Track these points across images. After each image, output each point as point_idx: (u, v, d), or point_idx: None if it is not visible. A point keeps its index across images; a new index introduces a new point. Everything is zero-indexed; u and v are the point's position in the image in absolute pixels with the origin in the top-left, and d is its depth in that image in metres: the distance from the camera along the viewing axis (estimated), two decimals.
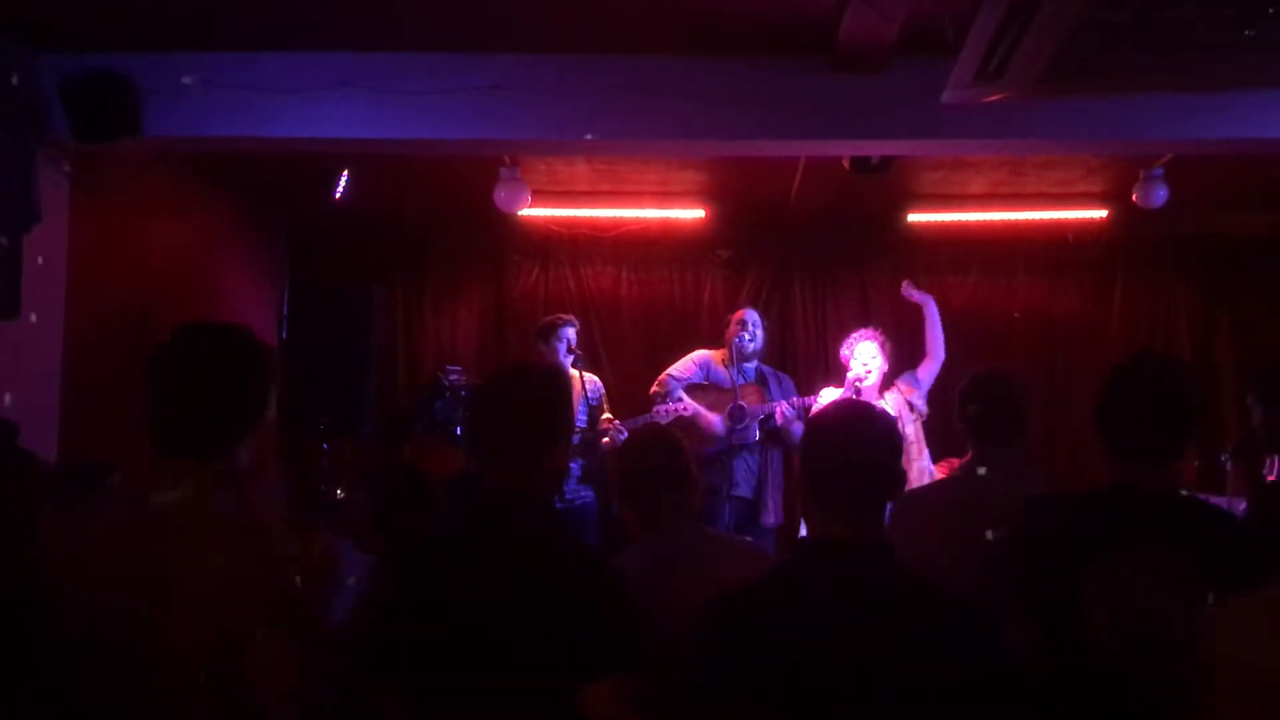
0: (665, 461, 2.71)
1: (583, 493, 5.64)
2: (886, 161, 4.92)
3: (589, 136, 4.51)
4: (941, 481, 4.03)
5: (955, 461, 4.96)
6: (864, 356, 5.28)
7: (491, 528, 2.18)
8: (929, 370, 5.45)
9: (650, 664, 2.09)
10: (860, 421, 2.08)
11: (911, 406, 5.22)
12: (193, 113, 4.39)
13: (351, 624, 2.50)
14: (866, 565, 1.99)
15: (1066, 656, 2.15)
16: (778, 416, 5.49)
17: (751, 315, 5.71)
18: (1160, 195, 5.70)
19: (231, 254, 6.17)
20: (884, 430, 2.07)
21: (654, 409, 5.66)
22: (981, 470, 2.97)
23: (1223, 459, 5.89)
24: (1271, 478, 5.27)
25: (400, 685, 2.12)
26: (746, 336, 5.61)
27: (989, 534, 2.64)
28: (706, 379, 5.77)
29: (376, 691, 2.15)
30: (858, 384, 5.21)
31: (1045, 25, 2.66)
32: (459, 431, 5.77)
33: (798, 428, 5.56)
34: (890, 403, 5.15)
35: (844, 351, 5.43)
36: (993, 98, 3.23)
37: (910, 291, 5.61)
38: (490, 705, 2.06)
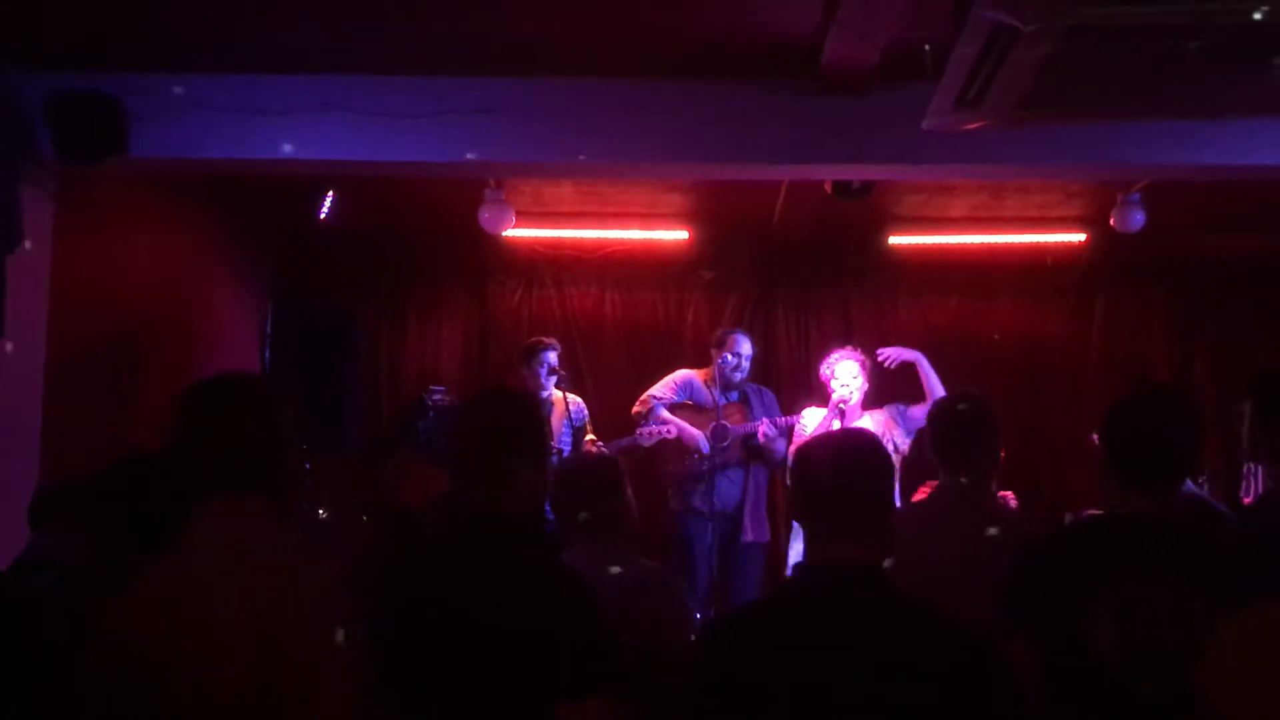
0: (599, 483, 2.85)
1: None
2: (868, 186, 4.98)
3: (582, 158, 4.55)
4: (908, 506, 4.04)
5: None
6: (845, 376, 5.31)
7: (470, 548, 2.20)
8: (924, 412, 5.41)
9: (631, 685, 2.11)
10: (853, 448, 2.11)
11: (892, 440, 5.19)
12: (179, 134, 4.40)
13: None
14: (863, 589, 2.01)
15: (1071, 680, 2.18)
16: (760, 435, 5.51)
17: (743, 345, 5.67)
18: (1137, 219, 5.77)
19: (216, 273, 6.17)
20: (876, 457, 2.11)
21: (637, 431, 5.68)
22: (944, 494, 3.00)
23: (1200, 482, 5.96)
24: (1248, 500, 5.35)
25: (380, 704, 2.12)
26: (732, 365, 5.61)
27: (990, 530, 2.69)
28: (689, 398, 5.79)
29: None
30: (842, 405, 5.25)
31: (1022, 57, 2.71)
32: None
33: (780, 445, 5.59)
34: (870, 423, 5.17)
35: (824, 371, 5.44)
36: (972, 125, 3.29)
37: (896, 353, 5.42)
38: None
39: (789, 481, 5.38)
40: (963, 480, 2.95)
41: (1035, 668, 2.17)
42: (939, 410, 3.15)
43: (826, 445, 2.20)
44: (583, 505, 2.83)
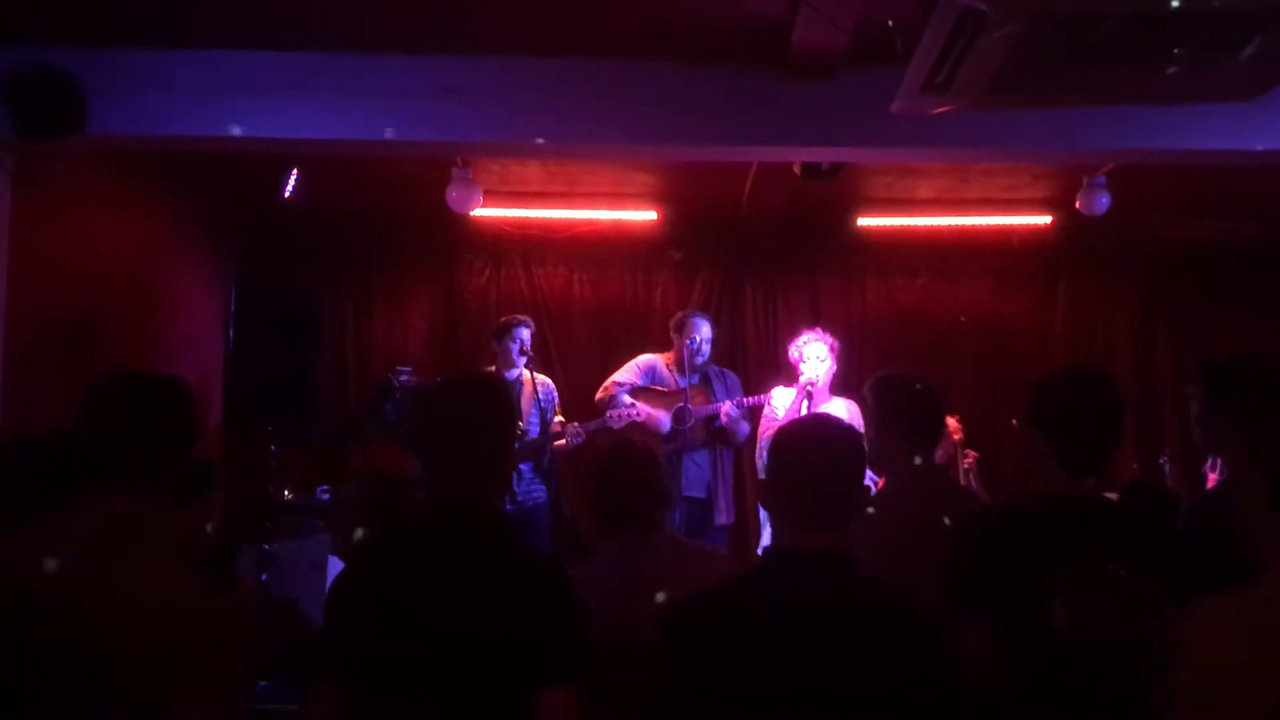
0: (642, 475, 2.80)
1: (535, 493, 5.65)
2: (837, 168, 4.97)
3: (540, 140, 4.50)
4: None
5: None
6: (813, 358, 5.32)
7: (442, 536, 2.19)
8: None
9: (602, 672, 2.11)
10: (825, 438, 2.12)
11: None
12: (139, 110, 4.32)
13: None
14: (827, 576, 2.03)
15: (1026, 664, 2.20)
16: (722, 417, 5.54)
17: (703, 328, 5.69)
18: (1103, 202, 5.81)
19: (178, 252, 6.08)
20: (848, 446, 2.12)
21: (607, 414, 5.68)
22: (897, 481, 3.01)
23: (1161, 461, 6.05)
24: (1214, 476, 5.40)
25: (350, 693, 2.11)
26: (693, 348, 5.62)
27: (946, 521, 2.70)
28: (653, 382, 5.81)
29: (320, 696, 2.14)
30: (810, 388, 5.26)
31: (988, 42, 2.71)
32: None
33: (744, 427, 5.61)
34: (841, 408, 5.18)
35: (793, 353, 5.45)
36: (940, 109, 3.29)
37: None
38: (441, 715, 2.06)
39: (759, 464, 5.42)
40: (917, 461, 2.95)
41: (986, 652, 2.19)
42: (895, 391, 3.09)
43: (798, 435, 2.21)
44: (623, 497, 2.80)
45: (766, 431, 5.30)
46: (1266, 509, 1.73)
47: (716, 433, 5.65)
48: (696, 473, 5.64)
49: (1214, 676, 1.70)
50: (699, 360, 5.68)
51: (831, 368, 5.34)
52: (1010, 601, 2.21)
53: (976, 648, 2.17)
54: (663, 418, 5.60)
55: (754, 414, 5.64)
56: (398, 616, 2.09)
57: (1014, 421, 2.52)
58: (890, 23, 3.09)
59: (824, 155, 4.84)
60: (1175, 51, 2.70)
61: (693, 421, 5.57)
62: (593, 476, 2.89)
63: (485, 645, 2.06)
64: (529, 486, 5.64)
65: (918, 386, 3.08)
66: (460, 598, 2.07)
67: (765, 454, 5.13)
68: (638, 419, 5.62)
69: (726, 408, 5.54)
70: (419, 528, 2.25)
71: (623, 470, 2.83)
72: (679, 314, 5.92)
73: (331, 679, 2.13)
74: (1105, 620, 2.13)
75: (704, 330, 5.70)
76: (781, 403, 5.37)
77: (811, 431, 2.22)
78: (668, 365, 5.78)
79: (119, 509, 1.98)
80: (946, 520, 2.56)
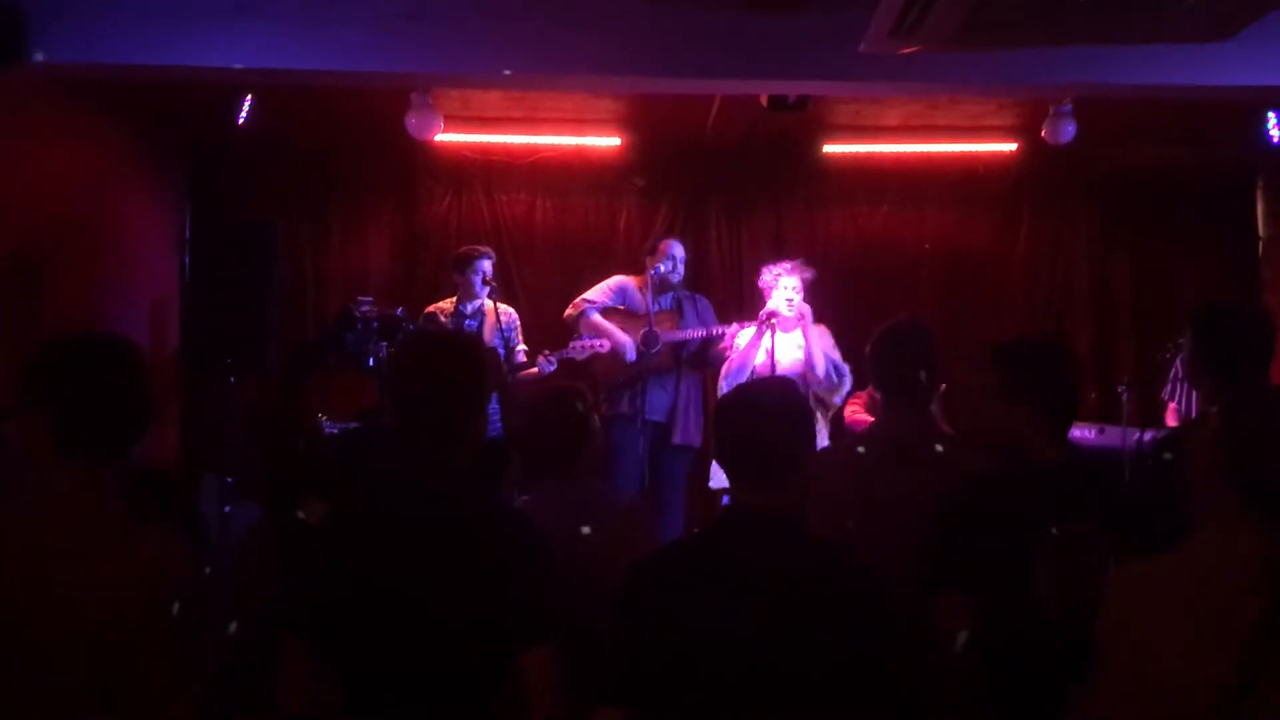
0: (567, 415, 2.86)
1: (496, 425, 5.65)
2: (803, 100, 4.92)
3: (506, 72, 4.41)
4: (853, 440, 3.97)
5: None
6: (785, 289, 5.27)
7: (419, 498, 2.19)
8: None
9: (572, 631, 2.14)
10: (771, 400, 2.15)
11: (833, 361, 5.15)
12: (85, 40, 4.18)
13: (254, 580, 2.50)
14: (776, 534, 2.07)
15: (1010, 633, 2.25)
16: (695, 344, 5.58)
17: (676, 249, 5.78)
18: (1068, 131, 5.79)
19: (130, 185, 5.92)
20: (794, 406, 2.14)
21: (570, 344, 5.68)
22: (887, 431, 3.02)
23: (1119, 390, 6.13)
24: (1172, 405, 5.49)
25: (323, 655, 2.11)
26: (667, 268, 5.66)
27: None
28: (623, 304, 5.82)
29: (288, 653, 2.15)
30: (772, 319, 5.21)
31: None
32: (370, 363, 5.69)
33: (714, 354, 5.62)
34: (815, 340, 5.15)
35: (765, 279, 5.40)
36: (908, 50, 3.26)
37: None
38: (419, 677, 2.08)
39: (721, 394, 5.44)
40: (909, 412, 2.93)
41: (966, 621, 2.24)
42: (891, 339, 3.03)
43: (745, 398, 2.26)
44: (551, 442, 2.86)
45: (730, 364, 5.31)
46: (1208, 470, 1.77)
47: (691, 359, 5.68)
48: (660, 398, 5.68)
49: (1121, 639, 1.75)
50: (675, 279, 5.71)
51: (803, 305, 5.25)
52: (994, 574, 2.25)
53: (955, 618, 2.22)
54: (628, 343, 5.61)
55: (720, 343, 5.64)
56: (373, 588, 2.09)
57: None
58: None
59: (789, 89, 4.79)
60: None
61: (659, 346, 5.59)
62: (522, 422, 2.96)
63: (471, 608, 2.07)
64: (491, 419, 5.64)
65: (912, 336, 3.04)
66: (436, 567, 2.08)
67: (725, 386, 5.19)
68: (601, 350, 5.63)
69: (697, 333, 5.60)
70: (388, 495, 2.23)
71: (542, 416, 2.91)
72: (653, 239, 6.00)
73: (300, 636, 2.14)
74: (1088, 592, 2.18)
75: (678, 250, 5.77)
76: (743, 341, 5.36)
77: (754, 394, 2.28)
78: (639, 288, 5.78)
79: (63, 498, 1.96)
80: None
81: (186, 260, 6.06)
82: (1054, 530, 2.24)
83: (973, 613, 2.27)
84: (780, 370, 5.05)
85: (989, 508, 2.39)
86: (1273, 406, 1.79)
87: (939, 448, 2.83)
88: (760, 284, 5.43)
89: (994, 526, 2.33)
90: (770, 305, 5.25)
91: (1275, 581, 1.62)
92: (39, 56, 4.14)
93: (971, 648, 2.25)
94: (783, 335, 5.22)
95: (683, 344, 5.66)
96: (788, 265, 5.37)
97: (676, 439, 5.69)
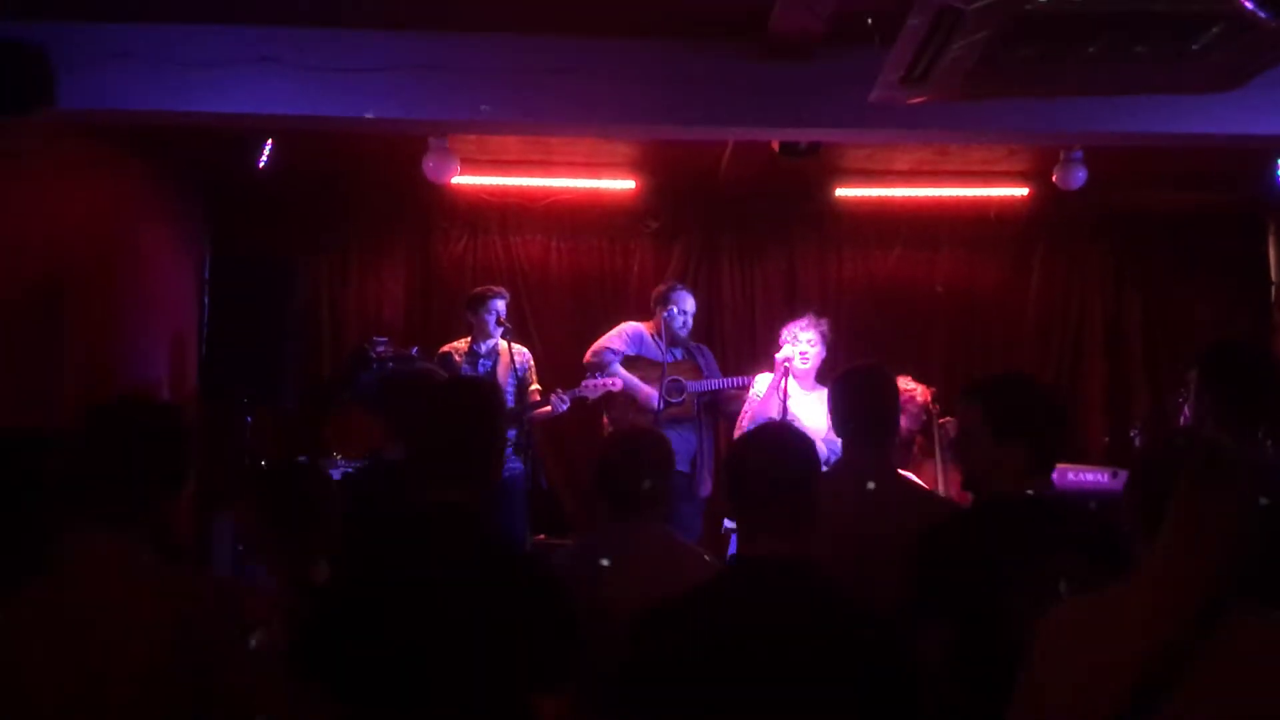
0: (654, 460, 2.74)
1: (511, 463, 5.67)
2: (815, 146, 4.97)
3: (522, 119, 4.48)
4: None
5: None
6: (803, 343, 5.17)
7: (437, 543, 2.20)
8: None
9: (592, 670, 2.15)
10: (782, 448, 2.15)
11: None
12: (109, 85, 4.28)
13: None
14: (788, 583, 2.07)
15: (989, 663, 2.25)
16: (726, 393, 5.62)
17: (687, 302, 5.74)
18: (1079, 176, 5.83)
19: (151, 223, 6.01)
20: (807, 456, 2.15)
21: (583, 383, 5.69)
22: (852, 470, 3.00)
23: (1132, 434, 6.12)
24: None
25: (341, 703, 2.13)
26: (679, 322, 5.67)
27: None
28: (639, 352, 5.83)
29: (309, 705, 2.16)
30: (787, 364, 5.18)
31: (966, 38, 2.72)
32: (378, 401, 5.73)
33: (735, 404, 5.61)
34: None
35: (785, 335, 5.27)
36: (917, 99, 3.30)
37: None
38: None
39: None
40: (868, 453, 2.95)
41: (946, 651, 2.25)
42: (854, 382, 3.10)
43: (760, 445, 2.24)
44: (632, 479, 2.70)
45: (747, 413, 5.30)
46: (1129, 511, 1.79)
47: (708, 407, 5.69)
48: (682, 445, 5.65)
49: (1028, 677, 1.76)
50: (683, 333, 5.72)
51: (820, 353, 5.18)
52: (974, 604, 2.26)
53: (936, 649, 2.22)
54: (652, 394, 5.59)
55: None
56: (390, 634, 2.11)
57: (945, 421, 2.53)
58: (870, 20, 3.07)
59: (800, 136, 4.85)
60: (1138, 49, 2.74)
61: (686, 395, 5.61)
62: (604, 456, 2.81)
63: (485, 652, 2.08)
64: (508, 455, 5.66)
65: (872, 377, 3.09)
66: (453, 614, 2.09)
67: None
68: (614, 388, 5.65)
69: (724, 384, 5.63)
70: (402, 542, 2.25)
71: (629, 458, 2.74)
72: (662, 286, 5.91)
73: (320, 680, 2.15)
74: None
75: (688, 303, 5.74)
76: (762, 388, 5.33)
77: (769, 441, 2.26)
78: (652, 335, 5.79)
79: (103, 552, 2.00)
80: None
81: (207, 297, 6.12)
82: (1029, 561, 2.24)
83: (948, 645, 2.27)
84: (801, 427, 5.04)
85: (967, 542, 2.40)
86: (1174, 448, 1.80)
87: (870, 485, 2.83)
88: (780, 340, 5.35)
89: (970, 560, 2.34)
90: (781, 355, 5.18)
91: (1162, 626, 1.61)
92: (64, 104, 4.23)
93: (949, 679, 2.25)
94: (805, 393, 5.19)
95: (710, 394, 5.69)
96: (803, 322, 5.27)
97: (706, 491, 5.67)
